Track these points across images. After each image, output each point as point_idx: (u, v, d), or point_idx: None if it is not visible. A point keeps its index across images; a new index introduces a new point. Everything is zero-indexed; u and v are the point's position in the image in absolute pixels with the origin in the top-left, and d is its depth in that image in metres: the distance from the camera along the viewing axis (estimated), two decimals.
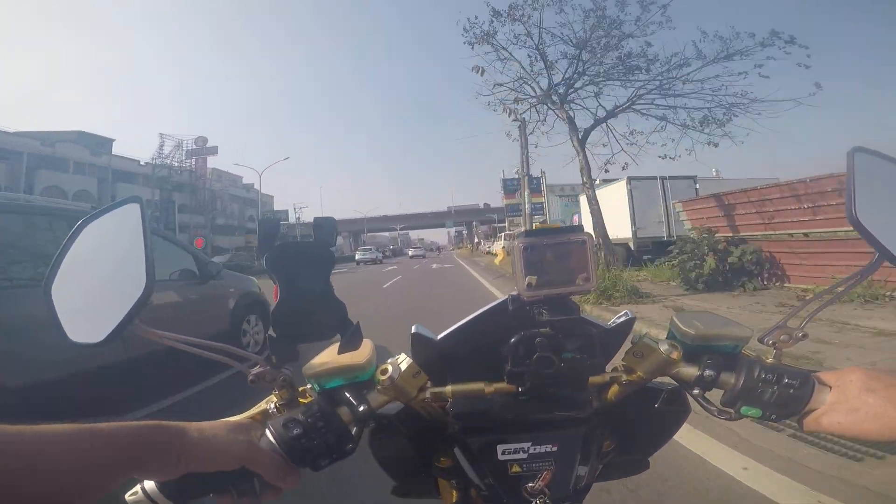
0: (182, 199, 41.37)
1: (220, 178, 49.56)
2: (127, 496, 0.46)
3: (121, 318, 0.45)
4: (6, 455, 0.34)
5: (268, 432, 0.49)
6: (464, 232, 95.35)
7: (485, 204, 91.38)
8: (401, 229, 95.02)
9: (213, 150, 44.34)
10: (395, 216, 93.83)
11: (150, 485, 0.45)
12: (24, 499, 0.34)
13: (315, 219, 0.51)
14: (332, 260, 0.51)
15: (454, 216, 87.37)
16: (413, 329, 0.60)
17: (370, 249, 42.19)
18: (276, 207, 59.18)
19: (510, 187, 36.63)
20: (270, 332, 0.50)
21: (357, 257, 40.03)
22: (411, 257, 45.95)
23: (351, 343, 0.52)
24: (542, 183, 36.72)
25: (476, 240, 63.26)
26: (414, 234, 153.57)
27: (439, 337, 0.60)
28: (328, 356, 0.56)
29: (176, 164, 41.59)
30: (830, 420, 0.48)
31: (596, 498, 0.64)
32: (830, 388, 0.50)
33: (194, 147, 43.30)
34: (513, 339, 0.54)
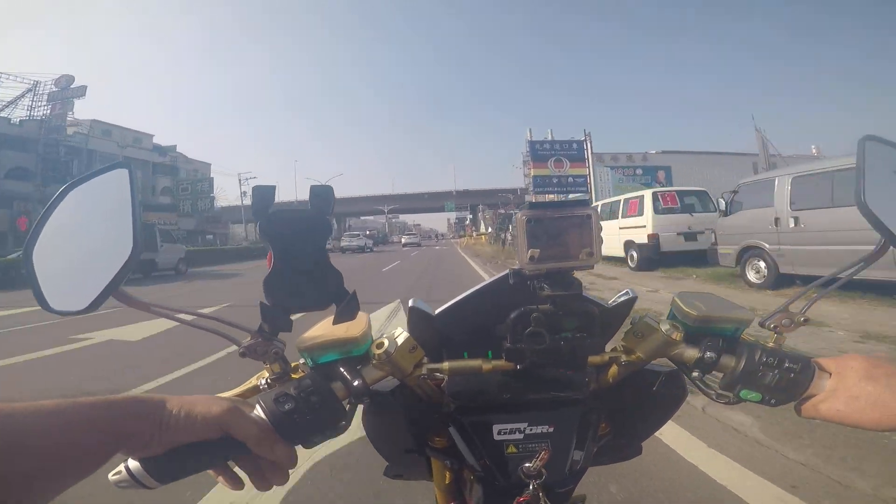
0: (23, 161, 28.47)
1: (111, 134, 37.09)
2: (110, 476, 0.45)
3: (105, 285, 0.43)
4: None
5: (258, 407, 0.48)
6: (468, 217, 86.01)
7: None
8: (389, 211, 79.03)
9: (80, 92, 30.73)
10: (382, 196, 78.45)
11: (134, 464, 0.44)
12: (3, 477, 0.33)
13: (312, 187, 0.49)
14: (329, 228, 0.50)
15: (456, 198, 74.92)
16: (410, 303, 0.59)
17: (358, 235, 38.00)
18: (215, 177, 47.21)
19: (540, 152, 30.04)
20: (263, 300, 0.48)
21: (343, 244, 34.63)
22: (404, 246, 42.25)
23: (346, 313, 0.50)
24: (587, 147, 30.18)
25: (485, 227, 53.05)
26: (409, 220, 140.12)
27: (437, 311, 0.59)
28: (322, 329, 0.55)
29: (34, 115, 29.39)
30: (829, 407, 0.48)
31: (590, 481, 0.64)
32: (830, 374, 0.50)
33: (54, 90, 30.58)
34: (512, 315, 0.53)
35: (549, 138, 32.07)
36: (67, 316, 0.45)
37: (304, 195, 0.50)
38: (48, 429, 0.36)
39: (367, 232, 58.28)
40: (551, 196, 30.49)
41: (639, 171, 31.42)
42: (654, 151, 33.50)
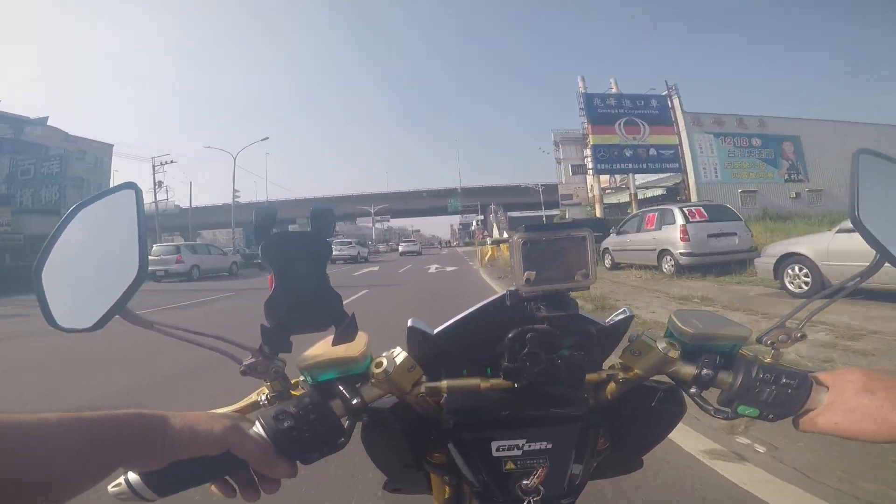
0: None
1: None
2: (109, 488, 0.46)
3: (111, 305, 0.44)
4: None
5: (257, 423, 0.48)
6: (476, 221, 73.42)
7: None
8: (378, 212, 64.15)
9: None
10: (370, 195, 64.27)
11: (133, 477, 0.45)
12: (4, 487, 0.34)
13: (312, 209, 0.50)
14: (329, 251, 0.51)
15: (462, 196, 61.77)
16: (409, 323, 0.60)
17: (349, 243, 31.12)
18: (117, 163, 34.49)
19: (602, 111, 19.68)
20: (264, 322, 0.49)
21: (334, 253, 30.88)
22: (402, 254, 36.63)
23: (345, 335, 0.51)
24: (673, 105, 20.14)
25: (499, 232, 42.68)
26: (406, 225, 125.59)
27: (435, 331, 0.60)
28: (322, 348, 0.56)
29: None
30: (827, 420, 0.49)
31: (589, 496, 0.64)
32: (828, 388, 0.50)
33: None
34: (509, 335, 0.53)
35: (614, 90, 20.87)
36: (74, 333, 0.46)
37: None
38: (52, 440, 0.36)
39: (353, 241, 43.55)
40: (623, 178, 22.40)
41: (756, 142, 22.87)
42: (774, 116, 24.35)
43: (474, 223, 79.34)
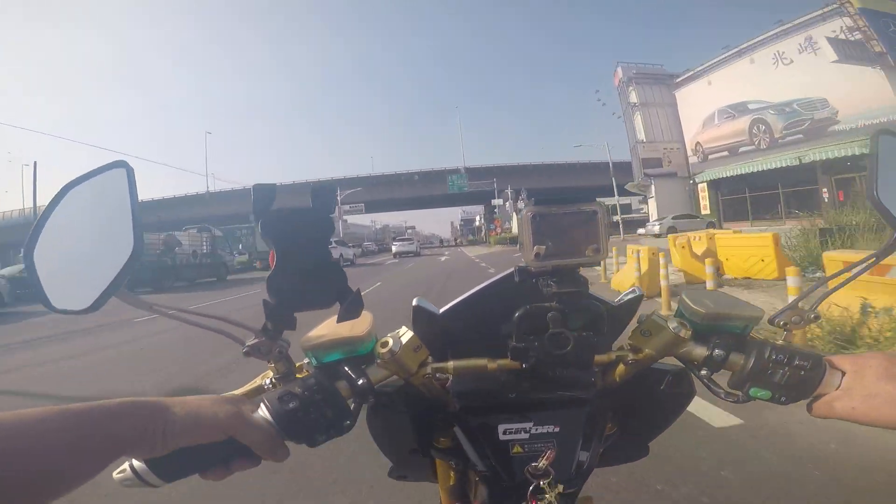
0: None
1: None
2: (114, 474, 0.45)
3: (106, 285, 0.43)
4: None
5: (262, 406, 0.47)
6: (479, 217, 61.82)
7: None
8: (344, 200, 43.34)
9: None
10: (342, 179, 47.50)
11: (138, 463, 0.44)
12: (3, 483, 0.33)
13: (313, 186, 0.49)
14: (331, 227, 0.50)
15: (469, 177, 46.99)
16: (414, 302, 0.59)
17: (335, 245, 23.30)
18: None
19: None
20: (266, 298, 0.48)
21: None
22: (396, 255, 31.01)
23: (350, 311, 0.50)
24: None
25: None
26: (391, 220, 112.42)
27: (441, 311, 0.59)
28: (326, 329, 0.55)
29: None
30: (844, 405, 0.47)
31: (594, 485, 0.64)
32: (844, 372, 0.49)
33: None
34: (518, 313, 0.52)
35: None
36: (71, 315, 0.45)
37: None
38: (34, 436, 0.36)
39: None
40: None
41: None
42: None
43: (478, 218, 67.36)
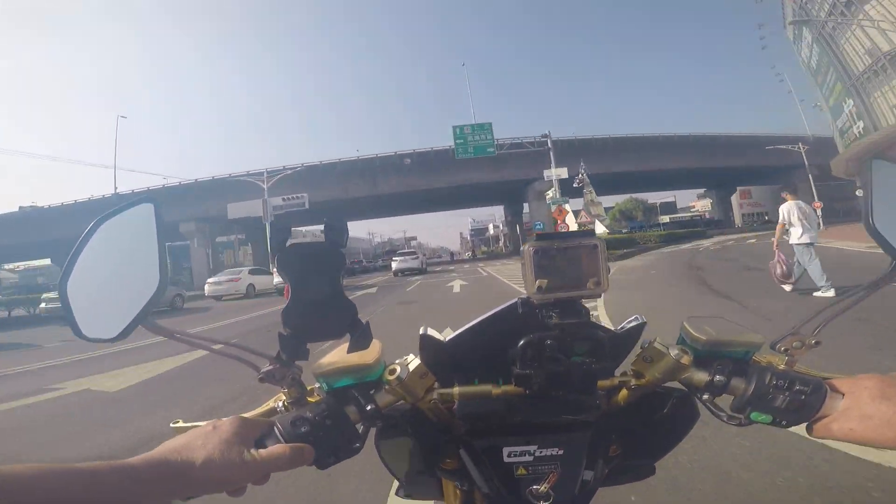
0: None
1: None
2: None
3: (134, 315, 0.46)
4: (38, 492, 0.35)
5: (275, 429, 0.50)
6: (490, 227, 50.92)
7: None
8: (270, 181, 26.91)
9: None
10: (327, 163, 34.07)
11: None
12: None
13: (325, 220, 0.52)
14: (343, 261, 0.53)
15: (491, 132, 26.30)
16: (421, 330, 0.61)
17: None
18: None
19: None
20: (281, 330, 0.51)
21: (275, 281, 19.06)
22: (397, 274, 24.63)
23: (360, 342, 0.53)
24: None
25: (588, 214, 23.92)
26: (382, 228, 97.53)
27: (448, 339, 0.61)
28: (337, 356, 0.57)
29: None
30: (842, 426, 0.48)
31: (601, 502, 0.64)
32: (843, 394, 0.50)
33: None
34: (521, 342, 0.54)
35: None
36: (100, 343, 0.48)
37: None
38: (84, 489, 0.37)
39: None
40: None
41: None
42: None
43: (491, 226, 54.40)
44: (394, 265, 26.06)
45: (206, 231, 33.87)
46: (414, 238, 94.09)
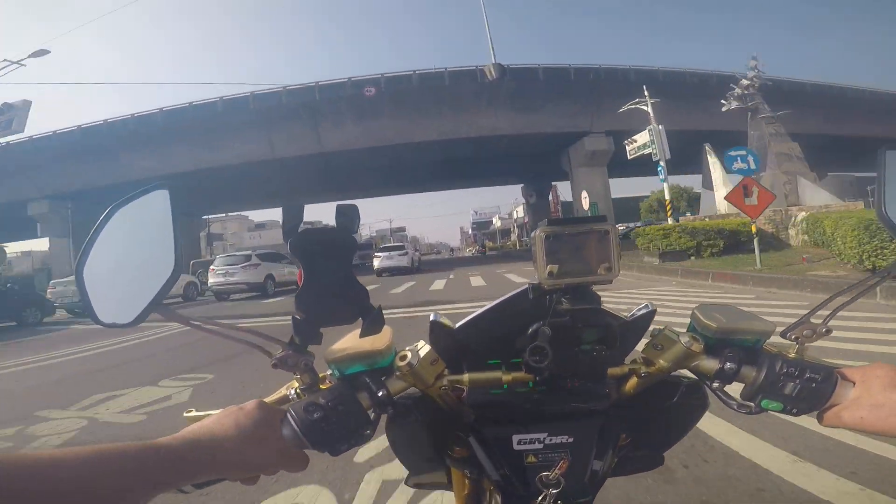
0: None
1: None
2: None
3: (148, 301, 0.47)
4: (33, 480, 0.35)
5: (289, 416, 0.50)
6: (496, 220, 43.85)
7: None
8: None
9: None
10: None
11: None
12: None
13: (338, 206, 0.52)
14: (355, 246, 0.53)
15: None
16: (431, 317, 0.61)
17: (248, 258, 15.27)
18: None
19: None
20: (295, 314, 0.51)
21: (215, 279, 15.18)
22: (379, 273, 19.68)
23: (372, 327, 0.53)
24: None
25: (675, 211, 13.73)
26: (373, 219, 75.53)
27: (458, 325, 0.61)
28: (348, 342, 0.58)
29: None
30: (852, 415, 0.49)
31: (609, 492, 0.65)
32: (853, 383, 0.50)
33: None
34: (531, 329, 0.54)
35: None
36: (115, 328, 0.49)
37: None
38: (76, 475, 0.37)
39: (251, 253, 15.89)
40: None
41: None
42: None
43: (495, 219, 46.42)
44: (376, 262, 20.43)
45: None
46: (402, 229, 73.55)
